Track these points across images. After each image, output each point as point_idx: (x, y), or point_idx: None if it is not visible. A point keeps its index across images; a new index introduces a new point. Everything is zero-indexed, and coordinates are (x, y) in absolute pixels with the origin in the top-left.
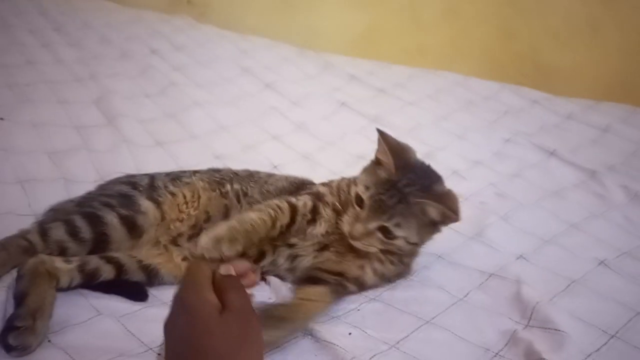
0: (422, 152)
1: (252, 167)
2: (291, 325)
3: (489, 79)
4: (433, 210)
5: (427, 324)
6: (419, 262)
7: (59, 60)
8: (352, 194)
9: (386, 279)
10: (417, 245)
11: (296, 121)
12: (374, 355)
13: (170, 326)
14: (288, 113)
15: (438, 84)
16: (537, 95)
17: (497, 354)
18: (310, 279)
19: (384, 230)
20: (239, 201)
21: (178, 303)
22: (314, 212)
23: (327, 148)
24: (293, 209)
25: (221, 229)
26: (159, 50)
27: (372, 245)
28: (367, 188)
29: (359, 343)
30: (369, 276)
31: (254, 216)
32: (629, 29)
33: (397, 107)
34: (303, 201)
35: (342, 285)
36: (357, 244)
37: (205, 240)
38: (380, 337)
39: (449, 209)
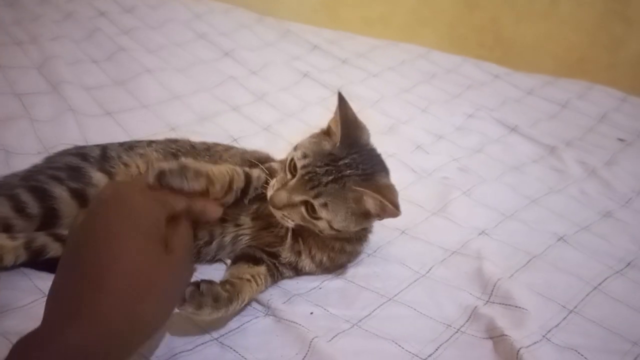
0: (386, 125)
1: (210, 139)
2: (236, 306)
3: (451, 50)
4: (370, 201)
5: (389, 300)
6: (382, 237)
7: None
8: (287, 157)
9: (325, 268)
10: (339, 232)
11: (256, 91)
12: (336, 335)
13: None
14: (247, 83)
15: (401, 56)
16: (498, 70)
17: (458, 329)
18: (246, 256)
19: (308, 207)
20: None
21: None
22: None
23: (287, 120)
24: (247, 176)
25: (187, 160)
26: (106, 13)
27: (291, 219)
28: (304, 156)
29: (320, 322)
30: (305, 262)
31: (211, 166)
32: (587, 4)
33: (361, 78)
34: (257, 173)
35: (277, 269)
36: (276, 213)
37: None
38: (342, 315)
39: (388, 201)
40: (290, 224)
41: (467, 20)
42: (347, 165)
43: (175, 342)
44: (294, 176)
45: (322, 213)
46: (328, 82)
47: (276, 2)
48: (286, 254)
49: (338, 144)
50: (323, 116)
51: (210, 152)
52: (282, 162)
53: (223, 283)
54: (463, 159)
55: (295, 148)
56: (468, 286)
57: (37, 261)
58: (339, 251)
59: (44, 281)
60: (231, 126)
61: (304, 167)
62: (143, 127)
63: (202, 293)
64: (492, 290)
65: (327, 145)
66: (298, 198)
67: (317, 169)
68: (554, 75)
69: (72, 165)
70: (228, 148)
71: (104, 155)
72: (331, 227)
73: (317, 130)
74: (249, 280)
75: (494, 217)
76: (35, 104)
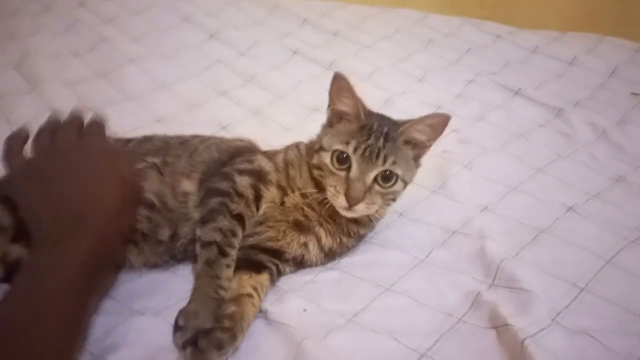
0: (382, 99)
1: (198, 128)
2: (243, 335)
3: (449, 13)
4: (419, 128)
5: (386, 290)
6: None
7: None
8: (326, 161)
9: (332, 257)
10: (406, 185)
11: (244, 74)
12: (329, 332)
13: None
14: (235, 65)
15: (396, 23)
16: (500, 30)
17: (460, 319)
18: (246, 262)
19: (379, 180)
20: (161, 172)
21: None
22: (256, 200)
23: (279, 101)
24: (240, 219)
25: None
26: (86, 1)
27: (374, 203)
28: (347, 142)
29: (313, 319)
30: (312, 254)
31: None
32: None
33: (354, 51)
34: (245, 197)
35: (279, 271)
36: (359, 209)
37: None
38: (336, 310)
39: (431, 116)
40: (374, 208)
41: None
42: (380, 124)
43: (159, 351)
44: (345, 169)
45: (398, 170)
46: (320, 58)
47: None
48: (291, 249)
49: (363, 116)
50: (315, 94)
51: (185, 145)
52: (274, 161)
53: (222, 320)
54: (463, 129)
55: (322, 148)
56: (470, 269)
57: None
58: (353, 235)
59: None
60: (220, 112)
61: (356, 149)
62: (128, 120)
63: (203, 350)
64: (496, 273)
65: (351, 125)
66: (372, 175)
67: (368, 141)
68: (562, 31)
69: None
70: (205, 139)
71: None
72: (404, 183)
73: (311, 110)
74: (249, 295)
75: (498, 190)
76: (14, 105)
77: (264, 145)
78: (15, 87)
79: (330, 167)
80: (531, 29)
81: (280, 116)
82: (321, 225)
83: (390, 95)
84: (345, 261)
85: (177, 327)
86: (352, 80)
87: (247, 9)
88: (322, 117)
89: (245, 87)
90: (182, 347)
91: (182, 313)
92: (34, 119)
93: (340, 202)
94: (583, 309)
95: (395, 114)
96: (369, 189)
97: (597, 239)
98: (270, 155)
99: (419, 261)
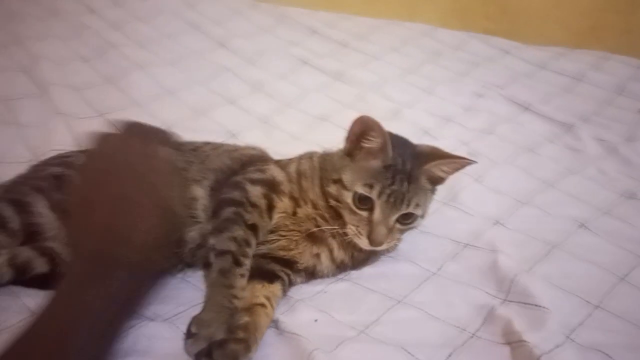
0: (390, 110)
1: (206, 135)
2: (257, 345)
3: (456, 25)
4: (443, 168)
5: (398, 303)
6: None
7: None
8: (347, 200)
9: (344, 268)
10: (423, 218)
11: (252, 82)
12: (341, 343)
13: None
14: (242, 73)
15: (403, 35)
16: (507, 45)
17: (473, 334)
18: (259, 271)
19: (401, 217)
20: None
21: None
22: (269, 210)
23: (286, 110)
24: (254, 229)
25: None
26: (94, 7)
27: (394, 239)
28: (370, 186)
29: (324, 330)
30: (324, 266)
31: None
32: None
33: (361, 61)
34: (258, 207)
35: (290, 281)
36: (380, 248)
37: None
38: (347, 321)
39: (455, 156)
40: (393, 243)
41: None
42: (402, 162)
43: (170, 358)
44: (368, 209)
45: (418, 211)
46: (327, 67)
47: None
48: (304, 259)
49: (391, 154)
50: (322, 104)
51: (197, 152)
52: (287, 171)
53: (236, 330)
54: (472, 142)
55: (343, 186)
56: (482, 283)
57: (26, 278)
58: (365, 251)
59: (33, 298)
60: (227, 120)
61: (380, 194)
62: None
63: None
64: (510, 287)
65: (375, 163)
66: (395, 217)
67: (392, 186)
68: (566, 44)
69: (55, 175)
70: (217, 147)
71: None
72: (422, 218)
73: (318, 119)
74: (263, 305)
75: (508, 204)
76: (22, 109)
77: (272, 154)
78: (24, 91)
79: (352, 206)
80: (536, 43)
81: (287, 125)
82: (334, 237)
83: (398, 107)
84: (355, 272)
85: (189, 334)
86: (360, 90)
87: (255, 18)
88: (329, 127)
89: (252, 96)
90: (196, 358)
91: (195, 320)
92: (42, 123)
93: (362, 243)
94: (596, 325)
95: (404, 126)
96: (390, 230)
97: (609, 255)
98: (282, 165)
99: (431, 274)
